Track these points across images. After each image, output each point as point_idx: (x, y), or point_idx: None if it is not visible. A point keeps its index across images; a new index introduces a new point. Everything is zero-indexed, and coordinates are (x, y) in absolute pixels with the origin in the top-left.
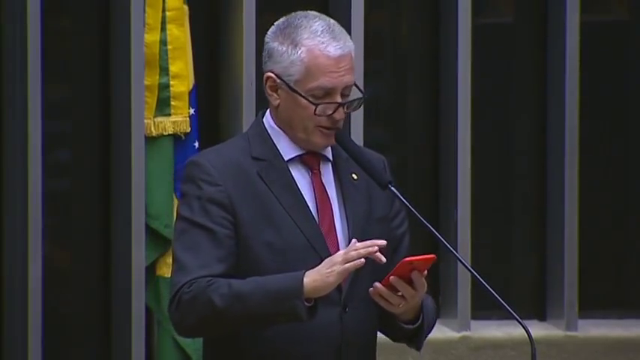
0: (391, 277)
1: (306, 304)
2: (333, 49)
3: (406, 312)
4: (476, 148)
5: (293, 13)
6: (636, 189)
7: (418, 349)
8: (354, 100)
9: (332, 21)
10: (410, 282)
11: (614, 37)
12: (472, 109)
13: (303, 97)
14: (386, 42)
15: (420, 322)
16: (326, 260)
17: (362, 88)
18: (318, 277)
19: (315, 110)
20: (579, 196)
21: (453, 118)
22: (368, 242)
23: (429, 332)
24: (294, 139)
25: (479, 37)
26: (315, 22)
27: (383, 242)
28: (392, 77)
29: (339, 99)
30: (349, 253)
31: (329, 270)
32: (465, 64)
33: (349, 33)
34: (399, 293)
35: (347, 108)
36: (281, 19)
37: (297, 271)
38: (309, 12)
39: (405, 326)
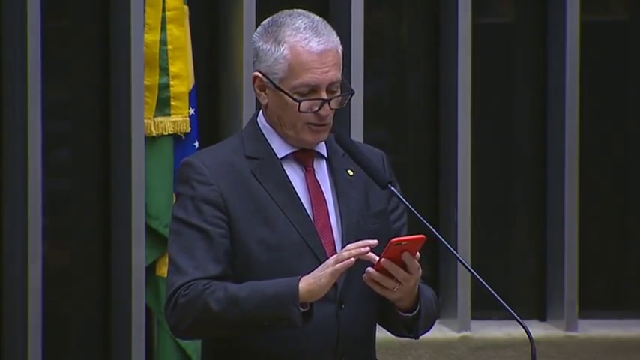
0: (382, 260)
1: (302, 309)
2: (315, 44)
3: (403, 298)
4: (476, 148)
5: (279, 12)
6: (636, 189)
7: (416, 337)
8: (339, 95)
9: (317, 18)
10: (403, 265)
11: (614, 37)
12: (472, 109)
13: (288, 94)
14: (386, 42)
15: (417, 309)
16: (321, 265)
17: (362, 87)
18: (311, 280)
19: (298, 107)
20: (579, 196)
21: (453, 118)
22: (360, 242)
23: (431, 324)
24: (285, 137)
25: (479, 37)
26: (299, 19)
27: (374, 242)
28: (392, 77)
29: (324, 95)
30: (341, 254)
31: (321, 272)
32: (465, 64)
33: (349, 33)
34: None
35: (333, 104)
36: (267, 19)
37: (293, 276)
38: (295, 10)
39: (403, 314)
